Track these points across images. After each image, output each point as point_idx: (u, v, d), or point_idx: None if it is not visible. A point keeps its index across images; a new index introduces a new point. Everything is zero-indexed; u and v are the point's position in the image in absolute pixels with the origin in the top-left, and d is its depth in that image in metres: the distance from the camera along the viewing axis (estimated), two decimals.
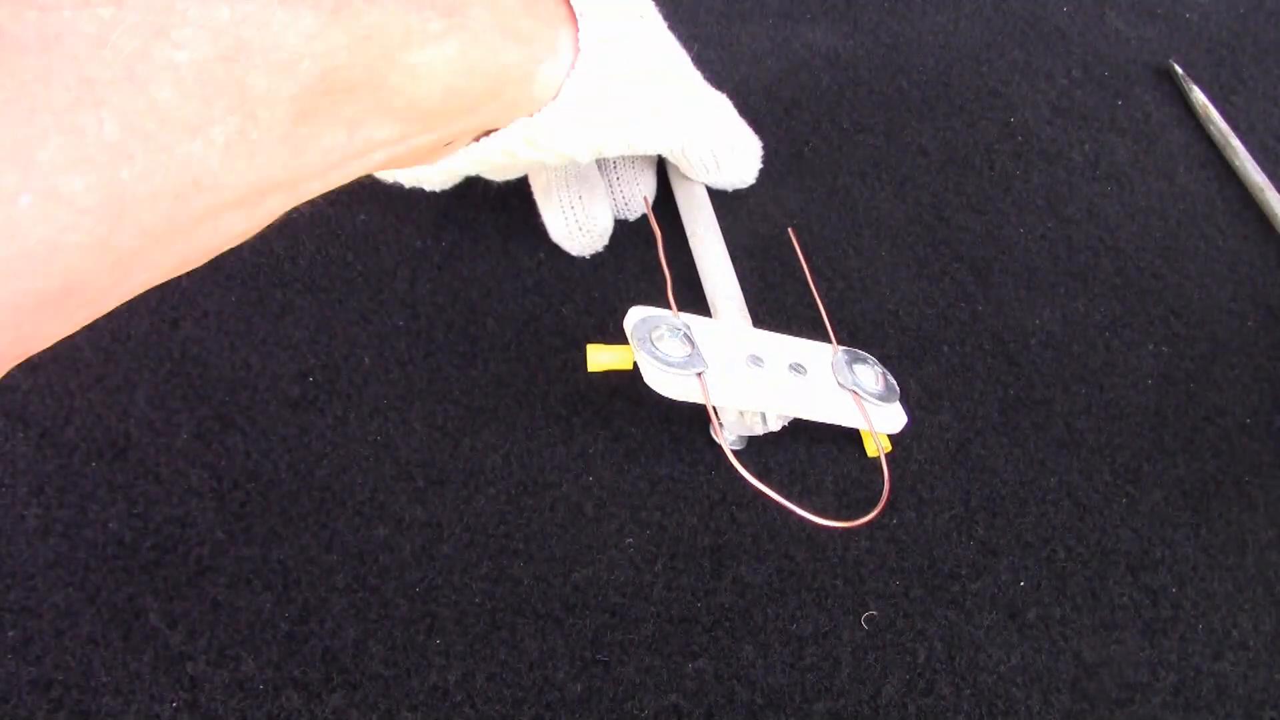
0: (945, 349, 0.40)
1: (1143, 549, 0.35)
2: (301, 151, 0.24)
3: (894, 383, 0.37)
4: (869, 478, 0.36)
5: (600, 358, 0.33)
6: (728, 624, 0.33)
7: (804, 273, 0.40)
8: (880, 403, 0.36)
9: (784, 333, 0.36)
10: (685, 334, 0.33)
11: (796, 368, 0.34)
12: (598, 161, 0.41)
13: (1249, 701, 0.32)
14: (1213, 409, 0.39)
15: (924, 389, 0.39)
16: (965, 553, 0.35)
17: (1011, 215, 0.44)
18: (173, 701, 0.31)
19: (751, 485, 0.31)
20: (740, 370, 0.33)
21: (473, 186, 0.43)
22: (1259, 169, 0.44)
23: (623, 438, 0.37)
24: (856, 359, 0.36)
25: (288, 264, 0.41)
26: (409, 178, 0.37)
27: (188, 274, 0.41)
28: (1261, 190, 0.44)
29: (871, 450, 0.36)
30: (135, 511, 0.35)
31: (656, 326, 0.33)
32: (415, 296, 0.40)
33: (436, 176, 0.37)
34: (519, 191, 0.43)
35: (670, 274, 0.37)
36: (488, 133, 0.32)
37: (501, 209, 0.43)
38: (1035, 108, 0.48)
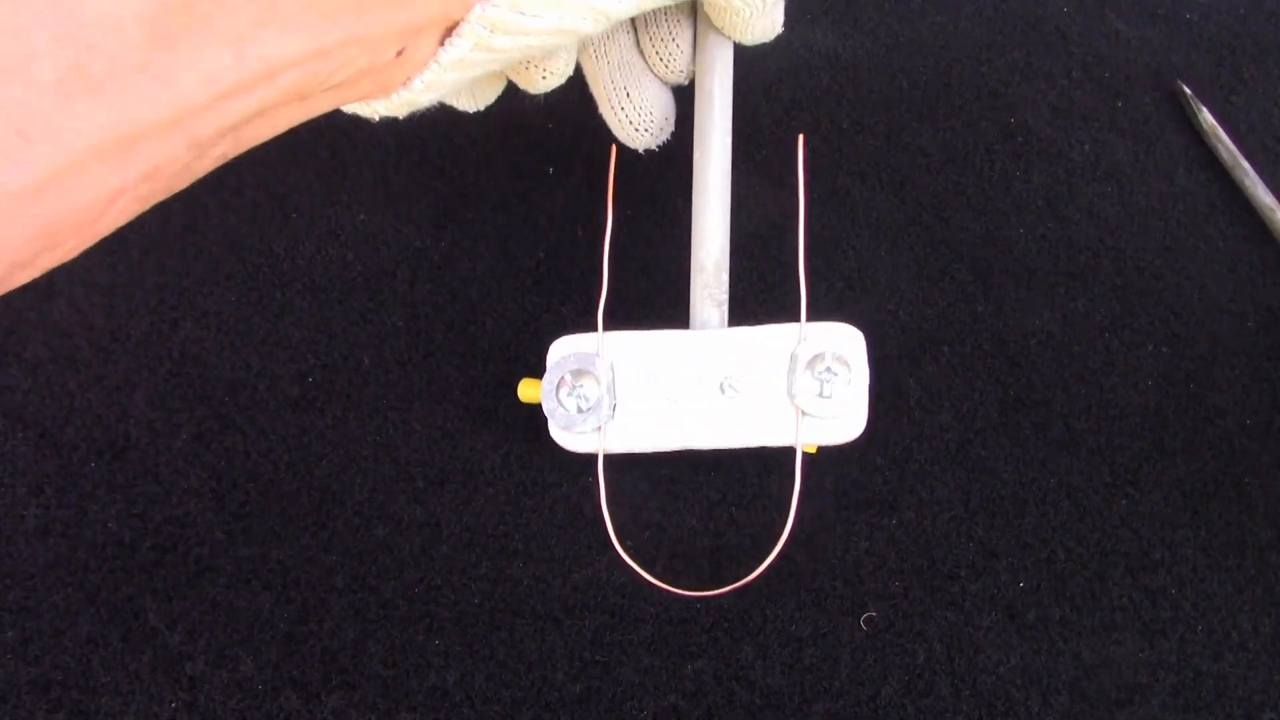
0: (945, 349, 0.40)
1: (1142, 550, 0.35)
2: (171, 82, 0.19)
3: (861, 375, 0.32)
4: (869, 478, 0.36)
5: (529, 393, 0.34)
6: (726, 625, 0.33)
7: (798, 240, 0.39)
8: (830, 408, 0.32)
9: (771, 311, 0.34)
10: (607, 369, 0.32)
11: (729, 386, 0.32)
12: (632, 24, 0.35)
13: (1248, 703, 0.32)
14: (1213, 409, 0.39)
15: (924, 389, 0.39)
16: (965, 553, 0.35)
17: (1011, 215, 0.44)
18: (172, 702, 0.31)
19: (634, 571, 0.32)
20: (652, 407, 0.32)
21: (472, 186, 0.43)
22: (1268, 190, 0.43)
23: None
24: (818, 352, 0.32)
25: (287, 264, 0.41)
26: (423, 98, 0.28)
27: (188, 274, 0.41)
28: (1273, 211, 0.43)
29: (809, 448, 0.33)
30: (135, 511, 0.35)
31: (576, 367, 0.32)
32: (415, 296, 0.40)
33: (464, 100, 0.31)
34: (519, 191, 0.43)
35: (607, 279, 0.34)
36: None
37: (501, 209, 0.43)
38: (1035, 108, 0.48)
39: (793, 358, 0.32)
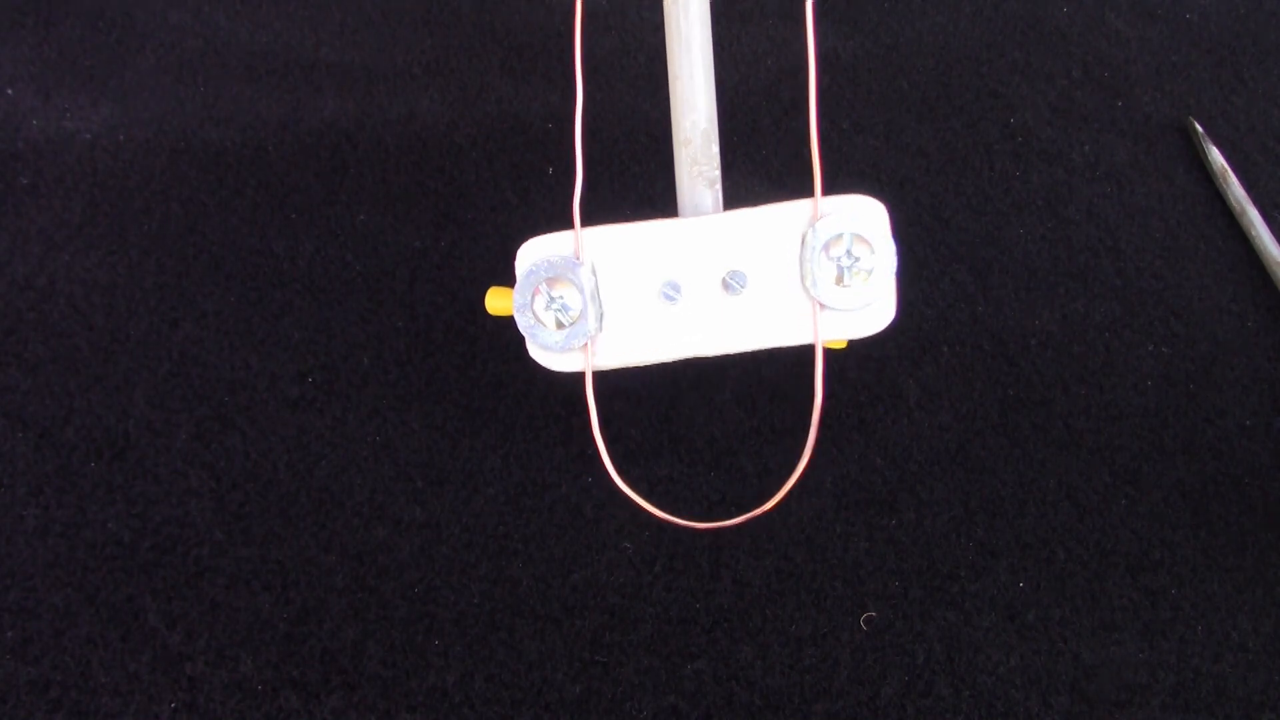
0: (945, 349, 0.40)
1: (1142, 550, 0.35)
2: None
3: (887, 253, 0.28)
4: (869, 478, 0.36)
5: (499, 303, 0.30)
6: (726, 625, 0.33)
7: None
8: (855, 295, 0.28)
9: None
10: (588, 273, 0.28)
11: (733, 280, 0.28)
12: None
13: (1248, 703, 0.32)
14: (1212, 409, 0.39)
15: (924, 389, 0.39)
16: (964, 554, 0.35)
17: (1011, 216, 0.44)
18: (171, 702, 0.31)
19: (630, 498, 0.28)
20: (647, 310, 0.28)
21: (472, 186, 0.43)
22: (1275, 241, 0.43)
23: (622, 438, 0.37)
24: (834, 230, 0.27)
25: (287, 264, 0.41)
26: None
27: (188, 274, 0.41)
28: (1277, 265, 0.43)
29: (836, 344, 0.29)
30: (134, 511, 0.35)
31: (552, 275, 0.28)
32: (415, 297, 0.40)
33: None
34: (519, 191, 0.43)
35: (581, 164, 0.30)
36: None
37: (501, 209, 0.43)
38: (1035, 108, 0.48)
39: (805, 241, 0.27)
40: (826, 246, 0.27)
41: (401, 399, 0.37)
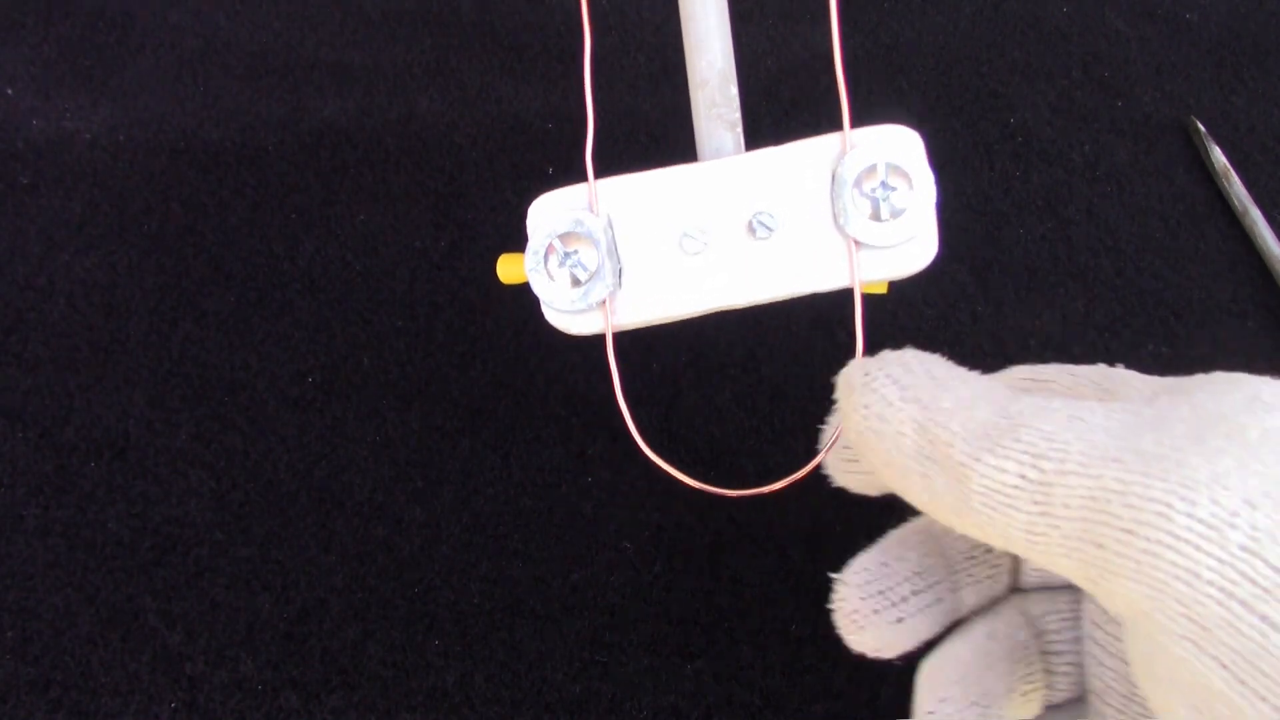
0: (945, 349, 0.40)
1: None
2: None
3: (925, 184, 0.26)
4: None
5: (510, 270, 0.28)
6: (726, 625, 0.33)
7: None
8: (893, 230, 0.26)
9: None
10: (603, 227, 0.26)
11: (760, 223, 0.26)
12: None
13: None
14: None
15: None
16: None
17: (1011, 215, 0.44)
18: (171, 702, 0.31)
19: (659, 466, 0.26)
20: (670, 262, 0.26)
21: (472, 186, 0.43)
22: (1278, 241, 0.43)
23: (622, 438, 0.37)
24: (866, 161, 0.26)
25: (287, 264, 0.41)
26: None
27: (188, 274, 0.41)
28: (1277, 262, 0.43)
29: (878, 288, 0.27)
30: (134, 511, 0.35)
31: (565, 230, 0.26)
32: (414, 296, 0.40)
33: None
34: (519, 191, 0.43)
35: (592, 113, 0.27)
36: None
37: (501, 209, 0.43)
38: (1035, 108, 0.48)
39: (835, 177, 0.26)
40: (859, 180, 0.25)
41: (401, 399, 0.37)
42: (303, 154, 0.44)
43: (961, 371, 0.22)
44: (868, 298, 0.26)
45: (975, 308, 0.41)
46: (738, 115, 0.28)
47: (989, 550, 0.25)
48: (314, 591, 0.33)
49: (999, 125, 0.48)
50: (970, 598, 0.24)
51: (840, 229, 0.25)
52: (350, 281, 0.40)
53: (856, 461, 0.26)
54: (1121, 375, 0.24)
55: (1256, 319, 0.41)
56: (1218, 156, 0.45)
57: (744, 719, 0.32)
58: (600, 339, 0.26)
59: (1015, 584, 0.26)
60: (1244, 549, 0.15)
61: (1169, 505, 0.16)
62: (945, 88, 0.49)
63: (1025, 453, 0.18)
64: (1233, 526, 0.15)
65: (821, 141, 0.26)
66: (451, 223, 0.42)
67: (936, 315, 0.41)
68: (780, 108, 0.47)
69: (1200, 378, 0.20)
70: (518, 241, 0.43)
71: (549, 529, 0.35)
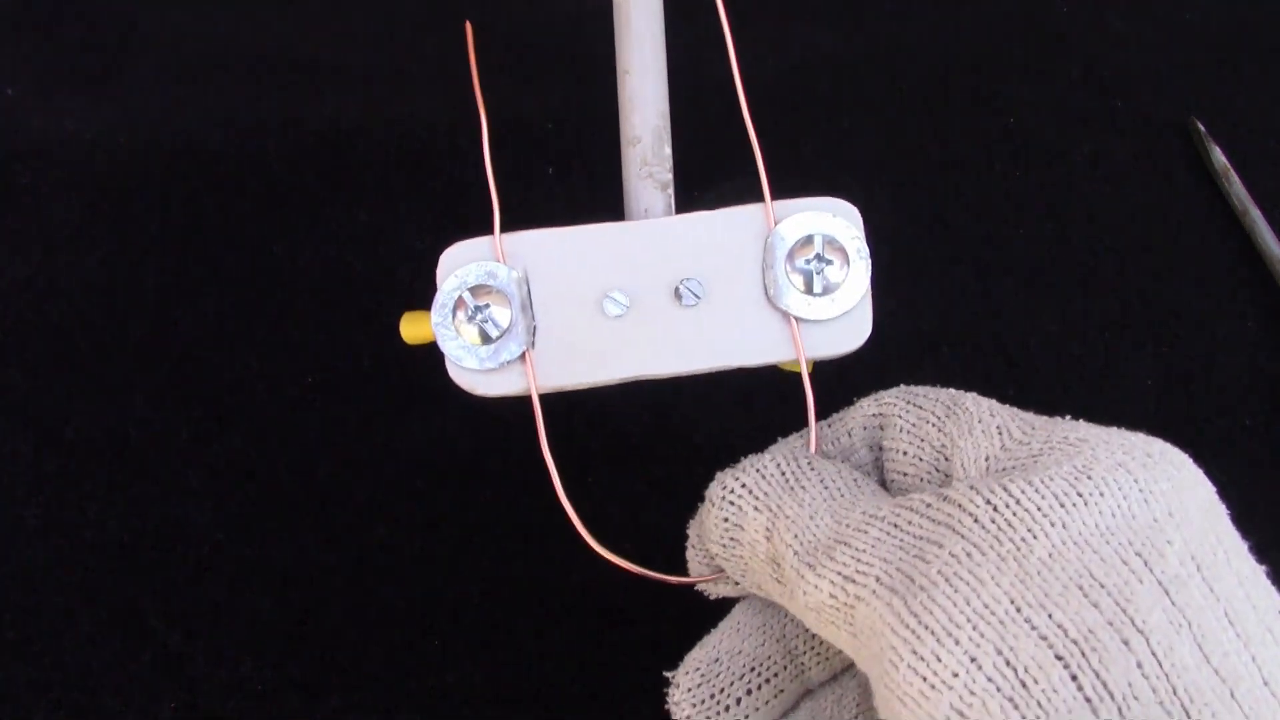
0: (945, 349, 0.40)
1: None
2: None
3: (861, 260, 0.24)
4: None
5: (415, 330, 0.26)
6: None
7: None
8: (825, 306, 0.24)
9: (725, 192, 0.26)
10: (519, 280, 0.25)
11: (687, 290, 0.24)
12: None
13: None
14: (1213, 409, 0.39)
15: None
16: None
17: (1011, 216, 0.44)
18: (171, 702, 0.31)
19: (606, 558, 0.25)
20: (589, 325, 0.25)
21: (472, 186, 0.43)
22: (1277, 241, 0.43)
23: (620, 436, 0.37)
24: (801, 232, 0.25)
25: (287, 264, 0.41)
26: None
27: (187, 274, 0.41)
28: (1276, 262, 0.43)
29: (798, 368, 0.26)
30: (134, 511, 0.35)
31: (475, 283, 0.25)
32: (415, 297, 0.40)
33: None
34: (518, 190, 0.43)
35: (490, 152, 0.27)
36: None
37: (501, 209, 0.43)
38: (1035, 108, 0.48)
39: (768, 247, 0.24)
40: (792, 253, 0.24)
41: (401, 399, 0.37)
42: (303, 154, 0.44)
43: (822, 465, 0.22)
44: (802, 368, 0.25)
45: (975, 308, 0.41)
46: (670, 176, 0.27)
47: None
48: (314, 591, 0.33)
49: (999, 125, 0.48)
50: (817, 674, 0.24)
51: (771, 301, 0.24)
52: (350, 281, 0.40)
53: (721, 571, 0.25)
54: (969, 410, 0.23)
55: (1256, 319, 0.41)
56: (1218, 156, 0.45)
57: None
58: (509, 402, 0.25)
59: None
60: (954, 709, 0.15)
61: (900, 657, 0.16)
62: (945, 88, 0.49)
63: (838, 574, 0.18)
64: (950, 688, 0.15)
65: (755, 210, 0.25)
66: (451, 223, 0.42)
67: (936, 315, 0.41)
68: (780, 107, 0.47)
69: (1046, 431, 0.21)
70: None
71: (549, 529, 0.35)
